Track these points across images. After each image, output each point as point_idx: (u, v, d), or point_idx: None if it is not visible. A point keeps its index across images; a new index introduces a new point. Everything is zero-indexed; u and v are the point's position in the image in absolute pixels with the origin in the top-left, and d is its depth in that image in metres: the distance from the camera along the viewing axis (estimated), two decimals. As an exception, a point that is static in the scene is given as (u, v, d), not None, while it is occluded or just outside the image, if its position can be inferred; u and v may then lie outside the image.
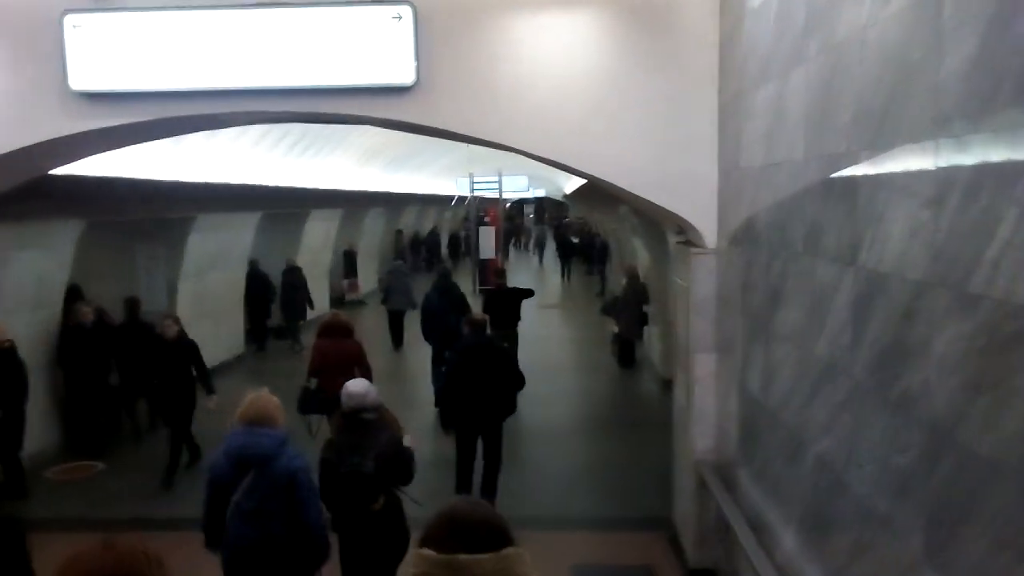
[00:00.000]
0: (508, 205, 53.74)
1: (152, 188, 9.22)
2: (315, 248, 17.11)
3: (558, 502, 7.17)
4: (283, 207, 14.26)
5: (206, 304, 11.80)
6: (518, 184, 23.61)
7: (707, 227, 5.16)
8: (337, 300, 18.46)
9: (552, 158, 5.19)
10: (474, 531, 1.60)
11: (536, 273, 26.83)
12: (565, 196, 48.23)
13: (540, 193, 52.55)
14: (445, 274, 10.63)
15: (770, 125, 3.93)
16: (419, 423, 8.96)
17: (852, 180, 2.91)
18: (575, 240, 32.25)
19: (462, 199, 28.37)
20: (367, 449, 4.27)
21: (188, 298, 11.29)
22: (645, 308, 12.31)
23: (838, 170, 3.05)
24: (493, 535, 1.61)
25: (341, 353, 7.22)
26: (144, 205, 9.35)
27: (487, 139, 5.14)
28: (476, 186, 22.69)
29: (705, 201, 5.13)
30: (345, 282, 19.47)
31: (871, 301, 2.74)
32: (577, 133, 5.13)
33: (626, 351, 12.46)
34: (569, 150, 5.16)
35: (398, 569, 4.41)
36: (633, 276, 12.38)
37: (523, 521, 6.84)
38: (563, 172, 28.21)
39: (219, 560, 4.06)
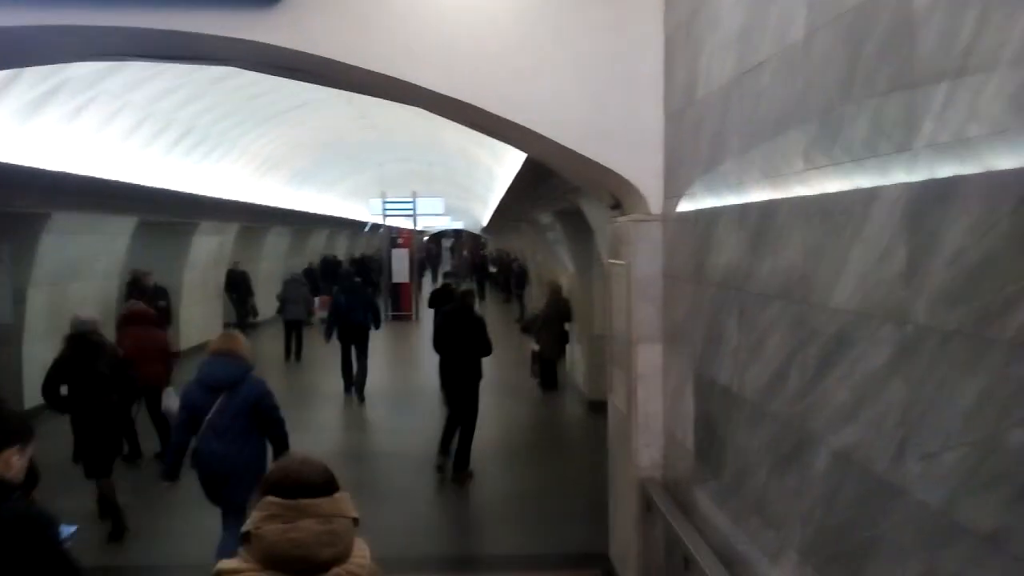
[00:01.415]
0: (426, 238, 52.87)
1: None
2: (204, 265, 15.47)
3: (475, 539, 5.99)
4: (165, 214, 12.67)
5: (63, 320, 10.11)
6: (433, 207, 22.52)
7: (651, 187, 4.19)
8: (233, 324, 16.80)
9: (463, 98, 4.12)
10: (311, 481, 1.89)
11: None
12: (483, 229, 47.73)
13: (459, 225, 51.94)
14: (349, 274, 12.29)
15: (747, 20, 2.98)
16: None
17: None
18: (493, 269, 31.36)
19: (376, 226, 27.14)
20: None
21: (41, 310, 9.64)
22: (567, 326, 11.36)
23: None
24: (327, 483, 1.91)
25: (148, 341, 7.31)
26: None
27: (375, 69, 4.03)
28: (388, 208, 21.54)
29: (649, 155, 4.16)
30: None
31: (945, 203, 1.77)
32: (496, 70, 4.10)
33: (548, 372, 11.42)
34: (485, 90, 4.12)
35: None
36: (555, 291, 11.42)
37: (433, 561, 5.62)
38: (479, 204, 27.27)
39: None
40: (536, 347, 11.34)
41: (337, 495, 1.93)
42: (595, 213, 6.91)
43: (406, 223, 21.87)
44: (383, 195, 21.26)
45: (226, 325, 15.93)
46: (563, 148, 4.20)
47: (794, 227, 2.60)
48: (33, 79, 7.70)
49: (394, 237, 21.24)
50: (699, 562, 3.25)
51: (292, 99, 12.64)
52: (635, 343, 4.27)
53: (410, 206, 21.53)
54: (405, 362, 15.33)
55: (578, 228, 9.76)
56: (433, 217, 35.84)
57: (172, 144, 11.78)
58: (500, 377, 12.72)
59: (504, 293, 25.66)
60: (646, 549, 4.30)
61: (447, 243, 58.28)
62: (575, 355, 11.27)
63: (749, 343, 2.98)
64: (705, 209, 3.56)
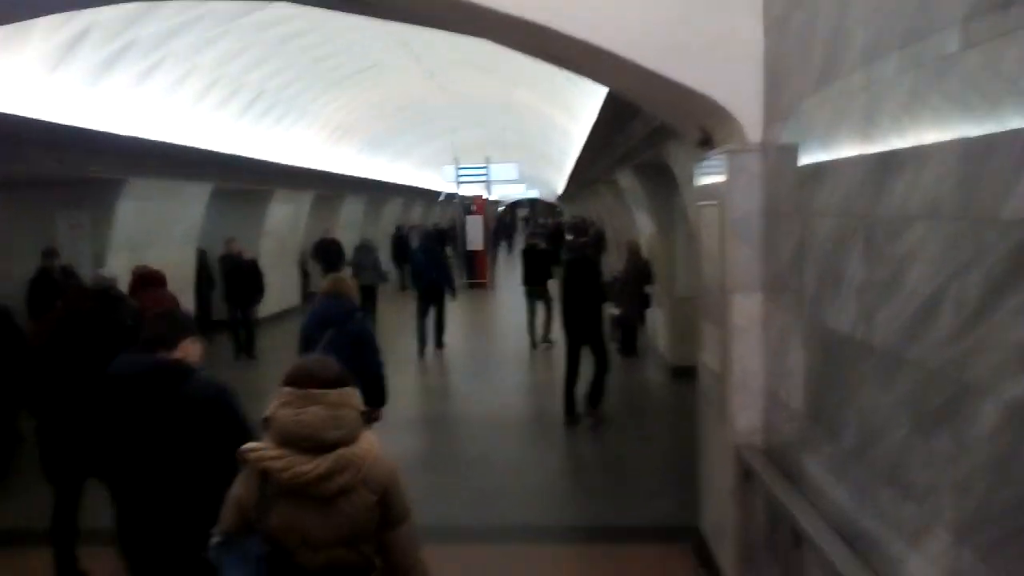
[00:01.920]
0: (502, 209, 52.61)
1: (66, 136, 7.69)
2: (280, 233, 15.53)
3: (550, 509, 5.63)
4: (240, 181, 12.68)
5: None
6: (507, 173, 22.09)
7: (748, 111, 3.64)
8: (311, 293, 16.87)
9: (532, 19, 3.66)
10: (323, 375, 2.19)
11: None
12: (558, 198, 47.03)
13: (533, 194, 51.41)
14: (428, 235, 13.79)
15: None
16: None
17: None
18: (569, 236, 30.85)
19: (451, 195, 26.97)
20: None
21: (121, 275, 9.72)
22: (648, 289, 10.80)
23: None
24: (337, 378, 2.20)
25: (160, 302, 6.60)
26: (55, 158, 7.78)
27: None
28: (462, 175, 21.24)
29: (745, 73, 3.60)
30: None
31: None
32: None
33: (627, 337, 10.92)
34: (556, 8, 3.64)
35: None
36: (634, 252, 10.85)
37: (508, 531, 5.14)
38: (554, 171, 26.78)
39: None
40: (615, 311, 10.84)
41: (345, 389, 2.20)
42: (679, 160, 6.35)
43: (480, 190, 21.50)
44: (456, 162, 20.95)
45: (308, 294, 16.03)
46: (645, 71, 3.68)
47: (948, 122, 2.06)
48: (100, 39, 7.62)
49: (468, 204, 20.94)
50: (814, 539, 2.76)
51: (360, 61, 12.40)
52: (730, 292, 3.76)
53: (484, 172, 21.15)
54: (481, 329, 15.08)
55: (659, 184, 9.17)
56: (507, 185, 35.55)
57: (243, 109, 11.72)
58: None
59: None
60: (745, 523, 3.83)
61: (522, 213, 57.97)
62: (657, 319, 10.72)
63: (880, 279, 2.45)
64: (819, 127, 3.01)
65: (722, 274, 3.86)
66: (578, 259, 8.09)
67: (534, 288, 11.77)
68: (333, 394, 2.17)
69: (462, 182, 21.17)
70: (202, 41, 9.02)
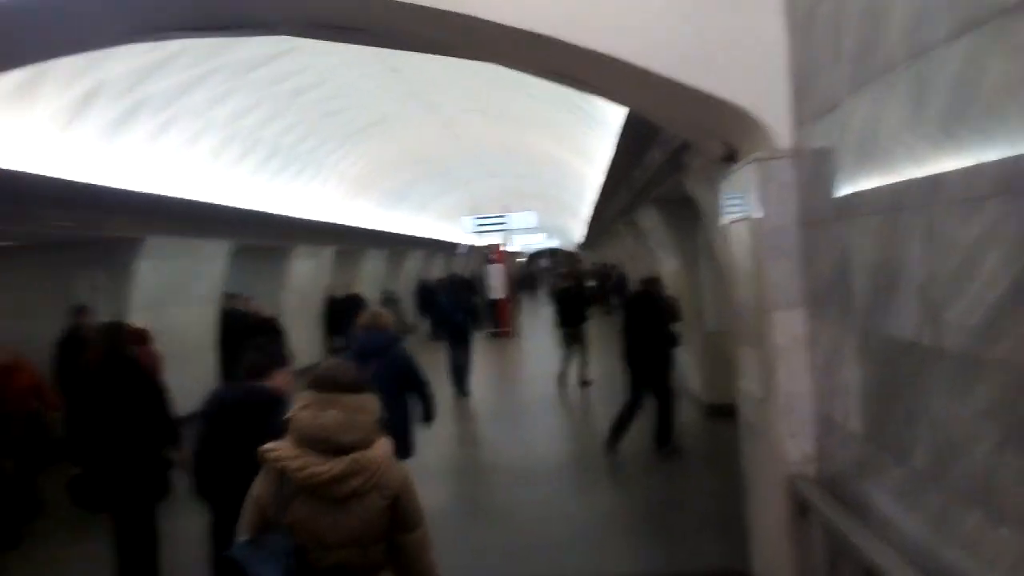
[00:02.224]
0: (522, 260, 52.67)
1: (79, 194, 7.65)
2: (302, 289, 15.45)
3: (587, 558, 5.25)
4: (260, 237, 12.65)
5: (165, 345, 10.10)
6: (526, 220, 21.99)
7: (776, 115, 3.40)
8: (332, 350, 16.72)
9: (542, 32, 3.48)
10: (344, 379, 2.29)
11: (551, 324, 24.76)
12: (578, 246, 46.94)
13: (554, 243, 51.42)
14: (453, 281, 14.73)
15: None
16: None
17: None
18: (591, 283, 30.82)
19: (471, 248, 27.00)
20: None
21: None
22: (674, 327, 10.47)
23: None
24: (356, 384, 2.29)
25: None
26: (69, 218, 7.75)
27: (438, 6, 3.44)
28: (481, 224, 21.20)
29: (771, 74, 3.39)
30: None
31: None
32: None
33: (657, 377, 10.54)
34: (566, 19, 3.46)
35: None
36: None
37: None
38: (571, 218, 26.64)
39: None
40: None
41: (364, 395, 2.29)
42: (700, 184, 6.11)
43: (499, 240, 21.39)
44: (474, 212, 20.93)
45: (333, 350, 15.87)
46: (661, 80, 3.47)
47: (1014, 90, 1.81)
48: (112, 95, 7.64)
49: (487, 253, 20.82)
50: (889, 577, 2.43)
51: (370, 112, 12.45)
52: (769, 311, 3.48)
53: (503, 221, 21.07)
54: (508, 377, 14.75)
55: (680, 217, 8.95)
56: (527, 235, 35.56)
57: (259, 165, 11.75)
58: (605, 386, 11.95)
59: (605, 306, 24.76)
60: (801, 562, 3.47)
61: (543, 264, 57.89)
62: (687, 357, 10.36)
63: (947, 272, 2.17)
64: (858, 122, 2.76)
65: (759, 293, 3.59)
66: (643, 294, 7.86)
67: (569, 330, 11.78)
68: (352, 398, 2.26)
69: (481, 232, 21.10)
70: (214, 96, 9.05)
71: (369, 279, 19.85)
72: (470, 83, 10.85)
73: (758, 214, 3.51)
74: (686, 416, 9.57)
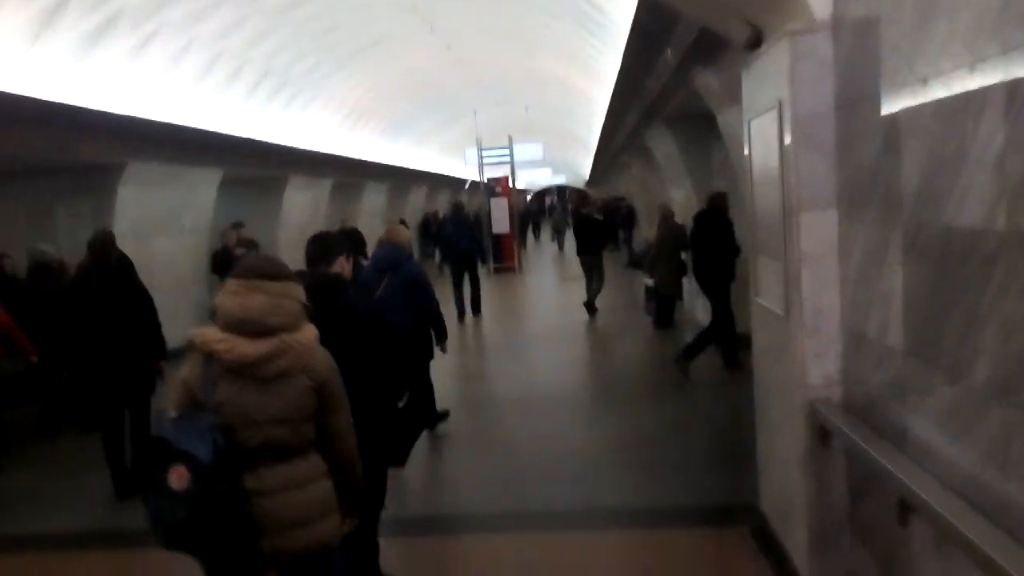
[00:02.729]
0: (529, 197, 51.85)
1: (55, 113, 7.18)
2: (299, 222, 15.00)
3: (596, 490, 4.94)
4: (253, 167, 12.15)
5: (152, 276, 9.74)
6: (532, 152, 21.36)
7: (814, -18, 2.91)
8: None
9: None
10: (268, 269, 2.37)
11: (556, 259, 24.24)
12: (586, 183, 46.13)
13: (560, 181, 50.61)
14: (457, 207, 13.06)
15: None
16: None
17: None
18: (599, 217, 30.24)
19: (476, 183, 26.48)
20: None
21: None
22: (683, 256, 10.03)
23: None
24: (280, 272, 2.37)
25: None
26: (43, 137, 7.28)
27: None
28: (486, 156, 20.58)
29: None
30: None
31: None
32: None
33: (664, 309, 10.17)
34: None
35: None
36: (666, 217, 10.09)
37: (556, 515, 4.45)
38: (579, 152, 26.00)
39: None
40: (650, 281, 10.11)
41: (288, 282, 2.36)
42: (718, 91, 5.60)
43: (505, 173, 20.78)
44: (479, 144, 20.29)
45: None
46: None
47: None
48: (82, 7, 7.08)
49: (492, 186, 20.26)
50: (935, 510, 2.05)
51: (368, 33, 11.77)
52: (797, 213, 3.04)
53: (507, 153, 20.44)
54: (514, 311, 14.40)
55: (694, 138, 8.45)
56: (533, 170, 34.82)
57: (251, 88, 11.17)
58: (609, 318, 11.61)
59: (612, 242, 24.23)
60: (819, 498, 3.12)
61: (549, 201, 57.05)
62: (694, 288, 9.95)
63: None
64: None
65: (785, 193, 3.14)
66: (709, 211, 7.76)
67: (588, 258, 11.84)
68: (276, 285, 2.33)
69: (486, 164, 20.49)
70: (196, 11, 8.45)
71: (370, 214, 19.37)
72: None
73: (788, 99, 3.03)
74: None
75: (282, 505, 2.31)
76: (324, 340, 2.46)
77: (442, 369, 7.67)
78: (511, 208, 19.96)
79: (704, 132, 8.33)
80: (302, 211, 15.15)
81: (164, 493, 2.16)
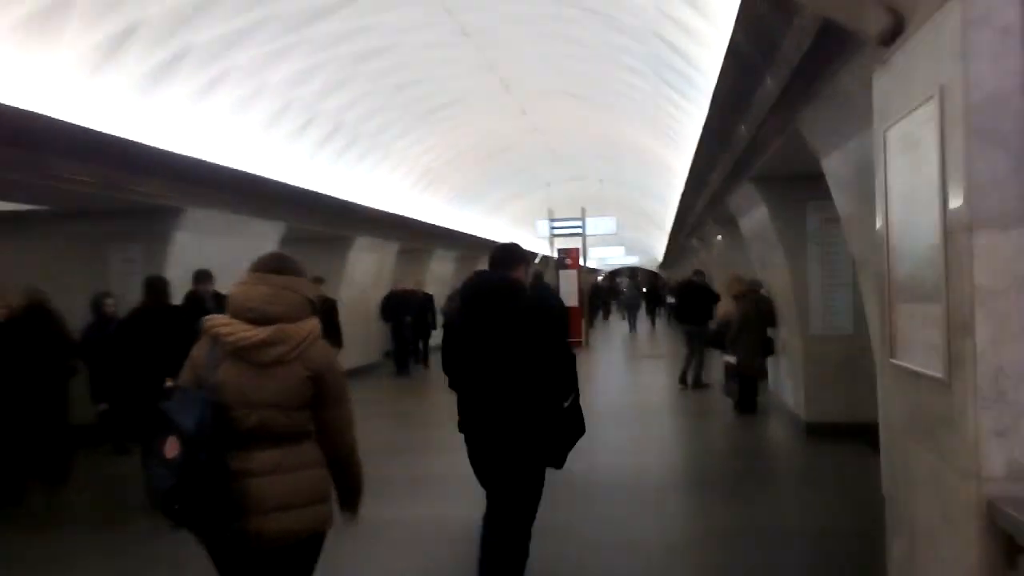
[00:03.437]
0: (600, 278, 51.01)
1: (106, 148, 6.93)
2: (363, 284, 14.64)
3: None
4: (318, 222, 11.87)
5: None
6: (605, 226, 20.76)
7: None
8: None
9: None
10: (276, 264, 2.58)
11: (625, 339, 23.01)
12: (659, 266, 45.19)
13: (634, 261, 49.79)
14: (538, 275, 12.17)
15: None
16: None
17: None
18: (671, 300, 29.34)
19: (547, 258, 26.00)
20: None
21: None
22: (770, 332, 9.07)
23: None
24: (286, 268, 2.57)
25: None
26: (90, 174, 7.01)
27: None
28: (556, 227, 20.10)
29: None
30: None
31: None
32: None
33: (747, 391, 9.14)
34: None
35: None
36: (751, 288, 9.21)
37: None
38: (654, 231, 25.36)
39: None
40: (731, 359, 9.14)
41: (295, 277, 2.57)
42: (824, 142, 4.82)
43: (577, 244, 20.19)
44: (551, 214, 19.84)
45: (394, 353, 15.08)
46: None
47: None
48: (149, 39, 6.89)
49: (562, 258, 19.66)
50: None
51: (443, 92, 11.51)
52: (967, 232, 2.21)
53: (580, 226, 19.90)
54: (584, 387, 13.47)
55: (785, 197, 7.63)
56: (604, 247, 34.21)
57: (320, 142, 10.98)
58: (685, 399, 10.59)
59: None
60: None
61: (621, 283, 55.91)
62: (782, 368, 8.92)
63: None
64: None
65: (946, 210, 2.32)
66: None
67: (691, 327, 11.45)
68: (280, 278, 2.52)
69: (557, 236, 19.97)
70: (266, 55, 8.24)
71: (438, 280, 18.95)
72: (548, 51, 9.77)
73: (957, 83, 2.25)
74: (782, 435, 8.14)
75: (268, 487, 2.38)
76: (502, 334, 3.26)
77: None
78: (580, 281, 19.27)
79: (797, 191, 7.52)
80: (366, 273, 14.80)
81: (159, 461, 2.32)
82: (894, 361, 2.85)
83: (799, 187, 7.56)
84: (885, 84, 2.92)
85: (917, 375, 2.61)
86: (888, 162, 2.88)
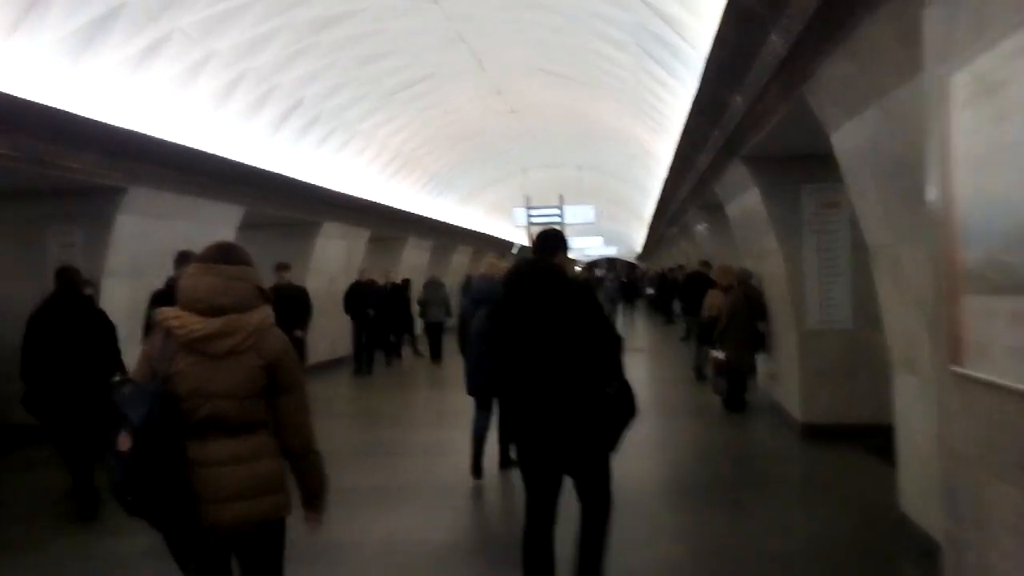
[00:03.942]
0: (578, 268, 50.50)
1: (30, 116, 6.18)
2: (331, 273, 13.89)
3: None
4: (279, 206, 11.11)
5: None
6: (584, 214, 20.16)
7: None
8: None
9: None
10: (223, 255, 2.55)
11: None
12: (638, 256, 44.73)
13: (612, 252, 49.33)
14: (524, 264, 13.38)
15: None
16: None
17: None
18: (649, 291, 28.80)
19: (524, 247, 25.42)
20: None
21: (120, 307, 8.11)
22: (760, 326, 8.51)
23: None
24: (235, 258, 2.56)
25: None
26: (9, 144, 6.23)
27: None
28: (534, 216, 19.48)
29: None
30: None
31: None
32: None
33: (735, 388, 8.58)
34: None
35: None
36: (740, 280, 8.64)
37: None
38: (633, 221, 24.97)
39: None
40: (720, 355, 8.57)
41: (242, 266, 2.55)
42: (843, 105, 4.22)
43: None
44: (528, 202, 19.20)
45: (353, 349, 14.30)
46: None
47: None
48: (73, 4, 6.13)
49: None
50: None
51: (412, 67, 10.78)
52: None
53: (558, 214, 19.29)
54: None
55: (780, 180, 7.06)
56: (584, 237, 33.67)
57: (279, 120, 10.23)
58: (669, 396, 10.03)
59: (665, 315, 22.61)
60: None
61: (599, 273, 55.41)
62: (777, 363, 8.36)
63: None
64: None
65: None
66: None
67: (694, 318, 11.18)
68: (228, 268, 2.50)
69: (534, 225, 19.33)
70: (209, 18, 7.49)
71: (412, 272, 18.17)
72: (521, 18, 9.08)
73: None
74: (775, 437, 7.58)
75: (223, 476, 2.40)
76: (549, 317, 3.30)
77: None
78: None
79: (794, 172, 6.96)
80: (334, 262, 14.03)
81: (115, 454, 2.34)
82: (959, 370, 2.24)
83: (795, 168, 7.00)
84: (944, 15, 2.31)
85: (999, 389, 2.01)
86: (950, 115, 2.27)
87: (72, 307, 5.44)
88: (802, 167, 6.98)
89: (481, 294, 5.85)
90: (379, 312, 13.10)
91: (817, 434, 6.97)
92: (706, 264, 12.29)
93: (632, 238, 38.74)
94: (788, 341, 7.57)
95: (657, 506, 5.39)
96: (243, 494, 2.40)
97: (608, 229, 34.73)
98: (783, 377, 8.01)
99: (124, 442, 2.31)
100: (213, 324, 2.41)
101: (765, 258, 8.03)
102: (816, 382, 7.16)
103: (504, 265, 6.08)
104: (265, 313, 2.52)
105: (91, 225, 8.04)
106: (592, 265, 57.91)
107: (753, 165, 7.02)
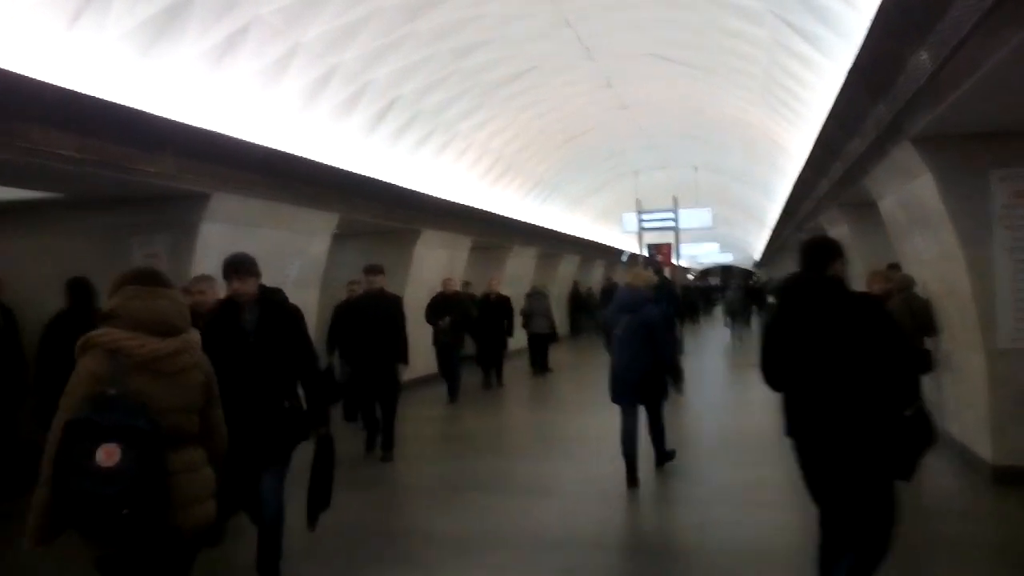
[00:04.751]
0: (691, 276, 48.44)
1: (94, 113, 5.72)
2: (431, 283, 13.22)
3: None
4: (376, 213, 10.53)
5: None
6: (700, 219, 18.77)
7: None
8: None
9: None
10: (161, 278, 2.70)
11: (726, 348, 20.10)
12: (755, 264, 42.33)
13: (728, 259, 47.04)
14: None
15: None
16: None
17: None
18: (771, 299, 26.78)
19: (635, 256, 24.23)
20: None
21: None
22: (928, 343, 7.08)
23: None
24: (167, 280, 2.71)
25: None
26: (74, 143, 5.78)
27: None
28: (645, 221, 18.29)
29: None
30: None
31: None
32: None
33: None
34: None
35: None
36: (902, 286, 7.23)
37: None
38: (753, 226, 23.18)
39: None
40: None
41: (175, 290, 2.75)
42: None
43: (667, 239, 18.34)
44: (639, 206, 18.04)
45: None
46: None
47: None
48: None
49: (652, 254, 17.85)
50: None
51: (517, 58, 9.92)
52: None
53: (672, 218, 18.02)
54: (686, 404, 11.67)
55: (960, 164, 5.72)
56: (697, 244, 31.94)
57: (374, 120, 9.61)
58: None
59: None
60: None
61: (713, 282, 52.89)
62: (951, 390, 6.91)
63: None
64: None
65: None
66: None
67: None
68: (170, 292, 2.67)
69: (646, 230, 18.15)
70: (297, 6, 6.89)
71: (514, 281, 17.31)
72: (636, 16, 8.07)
73: None
74: (954, 481, 6.17)
75: (185, 483, 2.55)
76: (824, 338, 3.22)
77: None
78: (676, 281, 17.38)
79: (982, 153, 5.62)
80: (434, 271, 13.36)
81: (89, 473, 2.32)
82: None
83: (982, 149, 5.67)
84: None
85: None
86: None
87: (84, 320, 4.95)
88: (991, 147, 5.64)
89: (625, 304, 6.21)
90: (454, 323, 11.56)
91: (1013, 479, 5.58)
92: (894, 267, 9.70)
93: (750, 244, 36.60)
94: (971, 363, 6.16)
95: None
96: (196, 500, 2.58)
97: (724, 234, 32.81)
98: (964, 408, 6.56)
99: (110, 457, 2.32)
100: (172, 343, 2.57)
101: (938, 262, 6.63)
102: (1010, 415, 5.76)
103: (647, 275, 6.55)
104: (197, 334, 2.75)
105: (175, 234, 7.61)
106: (705, 273, 55.67)
107: (927, 147, 5.71)
